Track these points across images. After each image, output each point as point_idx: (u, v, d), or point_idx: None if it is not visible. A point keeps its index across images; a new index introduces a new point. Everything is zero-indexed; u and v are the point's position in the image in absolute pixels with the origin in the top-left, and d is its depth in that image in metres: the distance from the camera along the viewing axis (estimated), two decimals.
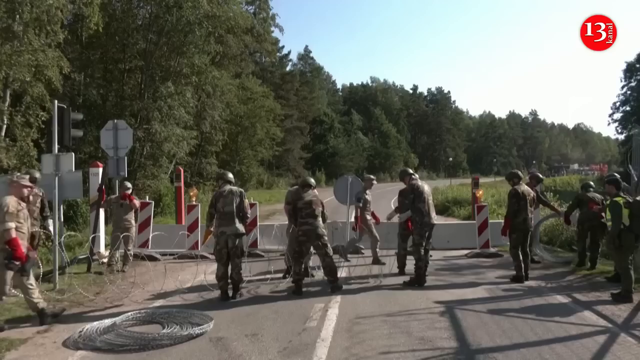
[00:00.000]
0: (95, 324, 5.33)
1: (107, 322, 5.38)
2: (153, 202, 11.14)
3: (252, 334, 5.10)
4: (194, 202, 10.59)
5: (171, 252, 9.71)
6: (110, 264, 8.49)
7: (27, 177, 6.18)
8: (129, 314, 5.71)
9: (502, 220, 10.72)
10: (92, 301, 6.54)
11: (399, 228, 8.08)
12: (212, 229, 6.87)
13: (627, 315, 5.73)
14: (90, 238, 8.48)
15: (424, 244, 7.42)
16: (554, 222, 10.69)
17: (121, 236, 8.19)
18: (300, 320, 5.56)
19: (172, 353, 4.60)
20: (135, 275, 7.90)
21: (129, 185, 9.06)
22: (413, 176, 7.86)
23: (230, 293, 6.68)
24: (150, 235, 9.74)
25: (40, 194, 7.56)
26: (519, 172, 8.18)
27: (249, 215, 7.06)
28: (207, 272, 8.31)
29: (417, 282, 7.29)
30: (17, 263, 5.33)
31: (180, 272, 8.37)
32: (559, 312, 5.84)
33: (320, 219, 7.10)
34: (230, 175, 7.17)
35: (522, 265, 7.49)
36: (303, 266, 7.86)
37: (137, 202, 9.06)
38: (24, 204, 5.70)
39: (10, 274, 5.42)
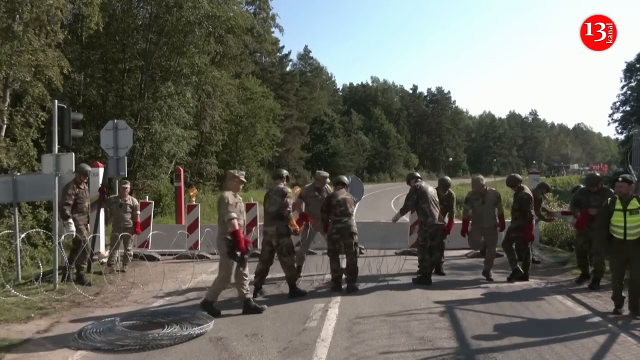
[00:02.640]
0: (96, 324, 5.33)
1: (107, 322, 5.38)
2: (153, 202, 11.14)
3: (252, 334, 5.10)
4: (194, 202, 10.60)
5: (170, 252, 9.72)
6: (110, 263, 8.49)
7: (244, 173, 6.42)
8: (129, 314, 5.71)
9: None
10: (92, 301, 6.54)
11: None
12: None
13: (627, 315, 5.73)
14: (90, 238, 8.48)
15: (427, 245, 7.44)
16: (554, 223, 10.70)
17: (120, 236, 8.20)
18: (300, 320, 5.56)
19: (172, 353, 4.60)
20: (135, 275, 7.90)
21: (126, 181, 9.05)
22: (419, 179, 7.92)
23: (294, 289, 6.74)
24: (150, 235, 9.74)
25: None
26: (519, 175, 8.17)
27: (289, 217, 6.62)
28: (207, 272, 8.33)
29: (425, 281, 7.32)
30: (239, 254, 5.61)
31: (180, 272, 8.38)
32: (559, 312, 5.84)
33: (353, 217, 7.16)
34: (283, 172, 7.11)
35: (523, 264, 7.51)
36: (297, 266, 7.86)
37: (138, 219, 8.92)
38: (239, 198, 6.03)
39: (234, 263, 5.74)
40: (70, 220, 7.35)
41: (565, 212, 8.82)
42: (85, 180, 7.95)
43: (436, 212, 7.49)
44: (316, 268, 7.82)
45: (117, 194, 9.01)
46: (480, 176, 8.30)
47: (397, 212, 7.93)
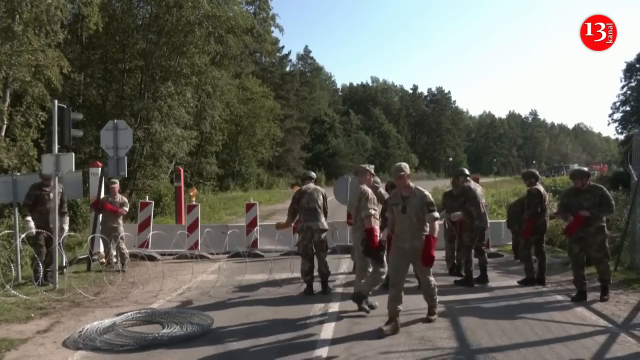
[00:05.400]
0: (95, 324, 5.34)
1: (107, 322, 5.38)
2: (153, 202, 11.14)
3: (252, 334, 5.10)
4: (194, 202, 10.60)
5: (170, 252, 9.72)
6: (110, 262, 8.53)
7: (373, 166, 6.48)
8: (129, 314, 5.71)
9: (502, 221, 10.83)
10: (92, 301, 6.54)
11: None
12: (292, 224, 7.29)
13: (627, 315, 5.73)
14: (90, 238, 8.49)
15: (473, 246, 7.46)
16: (554, 222, 10.69)
17: (111, 238, 8.28)
18: (300, 320, 5.56)
19: (172, 353, 4.60)
20: (135, 275, 7.91)
21: (114, 180, 9.02)
22: (468, 177, 7.82)
23: (322, 288, 6.84)
24: (150, 235, 9.74)
25: (60, 190, 7.68)
26: (536, 172, 7.93)
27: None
28: (206, 272, 8.34)
29: (483, 280, 7.42)
30: (373, 251, 5.59)
31: (180, 272, 8.38)
32: (559, 312, 5.84)
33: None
34: (313, 174, 7.51)
35: (538, 268, 7.36)
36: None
37: (120, 209, 8.68)
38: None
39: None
40: (28, 219, 7.37)
41: (554, 215, 8.33)
42: (49, 184, 7.59)
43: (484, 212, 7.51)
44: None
45: (108, 195, 8.99)
46: (403, 164, 5.25)
47: (444, 212, 7.77)
